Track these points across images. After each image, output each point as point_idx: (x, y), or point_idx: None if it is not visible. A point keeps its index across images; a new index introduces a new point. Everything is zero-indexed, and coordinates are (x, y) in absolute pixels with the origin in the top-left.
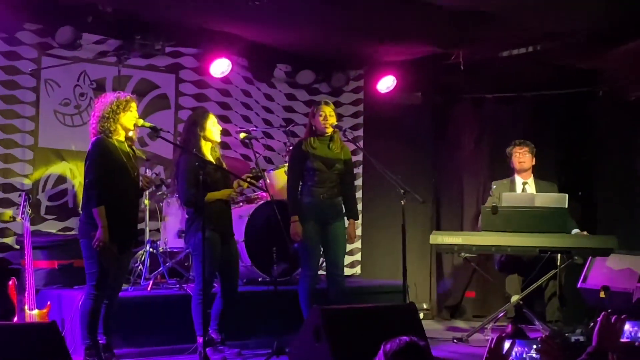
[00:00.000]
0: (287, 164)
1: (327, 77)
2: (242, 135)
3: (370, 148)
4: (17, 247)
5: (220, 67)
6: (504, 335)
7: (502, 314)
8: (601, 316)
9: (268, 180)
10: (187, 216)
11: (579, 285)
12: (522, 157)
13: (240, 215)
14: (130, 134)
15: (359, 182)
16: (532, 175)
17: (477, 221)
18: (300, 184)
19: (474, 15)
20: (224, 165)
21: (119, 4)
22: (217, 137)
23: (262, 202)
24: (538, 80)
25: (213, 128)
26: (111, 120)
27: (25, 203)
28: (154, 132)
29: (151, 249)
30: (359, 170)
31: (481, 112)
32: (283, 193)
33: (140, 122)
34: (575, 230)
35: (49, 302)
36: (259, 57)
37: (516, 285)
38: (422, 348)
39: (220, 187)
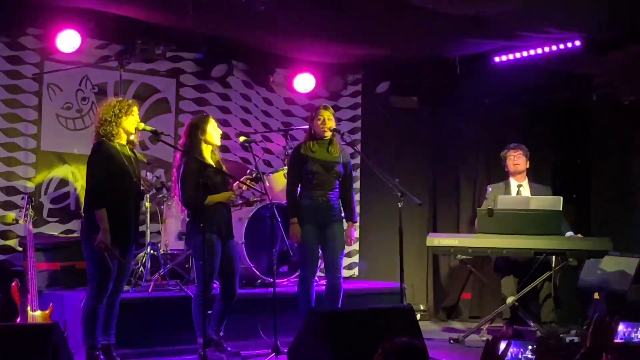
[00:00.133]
0: (286, 167)
1: (325, 82)
2: (242, 138)
3: (368, 151)
4: (20, 249)
5: (220, 71)
6: (499, 336)
7: (497, 315)
8: (595, 317)
9: (267, 183)
10: (187, 219)
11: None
12: (517, 159)
13: (240, 218)
14: (132, 137)
15: (356, 185)
16: (526, 178)
17: (473, 223)
18: (300, 186)
19: (470, 20)
20: (224, 169)
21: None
22: (217, 141)
23: (261, 204)
24: (533, 84)
25: (214, 132)
26: (113, 124)
27: (27, 206)
28: (155, 135)
29: (152, 251)
30: (356, 173)
31: (477, 116)
32: (282, 196)
33: (142, 125)
34: (569, 233)
35: (51, 304)
36: (259, 62)
37: (511, 286)
38: (419, 349)
39: (220, 190)
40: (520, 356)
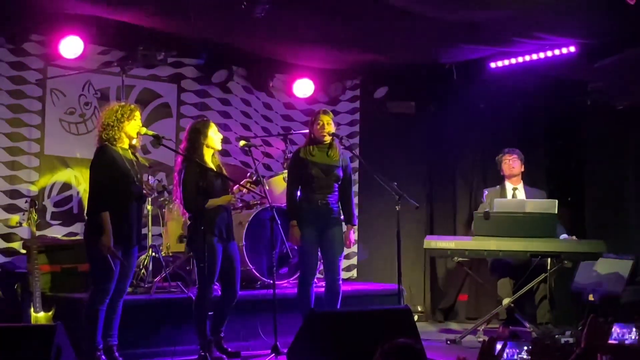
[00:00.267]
0: (285, 171)
1: (324, 87)
2: (242, 143)
3: (367, 155)
4: (24, 251)
5: (220, 76)
6: (496, 337)
7: (494, 316)
8: (590, 318)
9: (267, 187)
10: (189, 222)
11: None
12: (512, 163)
13: (240, 222)
14: (134, 141)
15: (355, 188)
16: (521, 181)
17: (470, 226)
18: (300, 189)
19: (466, 27)
20: (225, 172)
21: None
22: (218, 145)
23: (261, 207)
24: (529, 90)
25: (215, 136)
26: (115, 128)
27: (31, 209)
28: (157, 140)
29: (154, 254)
30: (355, 176)
31: (473, 120)
32: (282, 199)
33: (143, 130)
34: (564, 235)
35: (54, 305)
36: (259, 67)
37: (507, 288)
38: (417, 350)
39: (220, 194)
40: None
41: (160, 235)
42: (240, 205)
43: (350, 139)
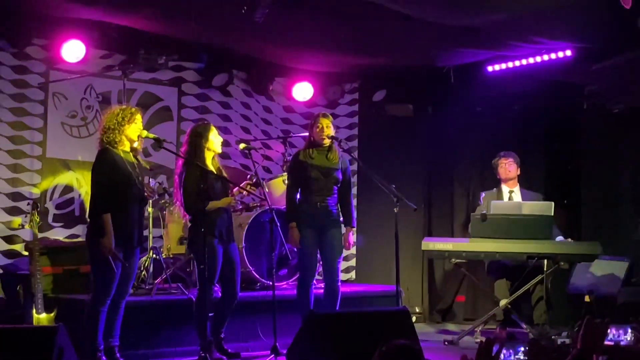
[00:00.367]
0: (285, 174)
1: (323, 90)
2: (242, 145)
3: (365, 158)
4: (26, 253)
5: (221, 79)
6: (493, 337)
7: (491, 317)
8: (585, 319)
9: (267, 189)
10: (189, 224)
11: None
12: (508, 167)
13: (240, 224)
14: (135, 144)
15: (354, 190)
16: (517, 184)
17: (467, 228)
18: (299, 192)
19: (464, 31)
20: (225, 174)
21: (125, 20)
22: (218, 148)
23: (261, 210)
24: (525, 93)
25: (215, 139)
26: (116, 131)
27: (33, 211)
28: (158, 143)
29: (154, 255)
30: (354, 179)
31: (471, 123)
32: (281, 201)
33: (144, 133)
34: (560, 237)
35: (56, 307)
36: (258, 71)
37: (504, 289)
38: (415, 351)
39: (220, 196)
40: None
41: (161, 237)
42: (240, 207)
43: (349, 142)
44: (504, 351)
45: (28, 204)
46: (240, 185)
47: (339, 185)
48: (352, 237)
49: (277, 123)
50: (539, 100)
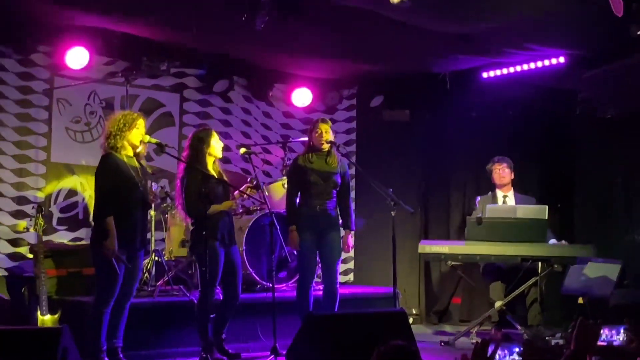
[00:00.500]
0: (284, 178)
1: (322, 96)
2: (242, 150)
3: (363, 162)
4: (31, 256)
5: (221, 86)
6: (488, 338)
7: (486, 318)
8: (579, 321)
9: (266, 193)
10: (191, 227)
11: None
12: (502, 172)
13: (241, 227)
14: (139, 149)
15: (352, 194)
16: (512, 189)
17: (463, 231)
18: (299, 195)
19: (460, 38)
20: (226, 179)
21: (128, 28)
22: (219, 153)
23: (261, 213)
24: (520, 99)
25: (216, 144)
26: (118, 137)
27: (38, 215)
28: (160, 147)
29: (157, 258)
30: (352, 183)
31: (466, 128)
32: (281, 205)
33: (147, 138)
34: (553, 240)
35: (60, 308)
36: (258, 77)
37: (499, 291)
38: (412, 352)
39: (221, 200)
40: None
41: (163, 240)
42: (241, 210)
43: (347, 147)
44: (499, 352)
45: (33, 207)
46: (241, 189)
47: (338, 189)
48: (351, 240)
49: (276, 128)
50: (533, 106)
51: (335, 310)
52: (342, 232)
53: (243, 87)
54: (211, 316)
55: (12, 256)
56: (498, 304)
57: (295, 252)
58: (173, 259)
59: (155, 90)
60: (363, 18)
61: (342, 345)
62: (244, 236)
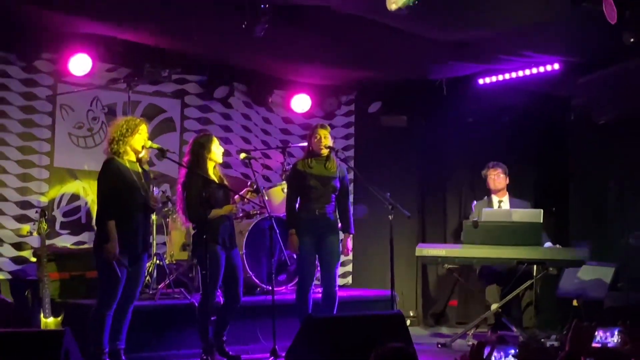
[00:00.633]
0: (284, 182)
1: (321, 102)
2: (242, 155)
3: (361, 167)
4: (34, 259)
5: (222, 92)
6: (484, 341)
7: (482, 321)
8: (574, 323)
9: (266, 197)
10: (193, 231)
11: (558, 294)
12: (497, 178)
13: (241, 231)
14: (142, 154)
15: (350, 198)
16: (507, 193)
17: (459, 235)
18: (299, 200)
19: (456, 46)
20: (226, 183)
21: (130, 35)
22: (220, 158)
23: (260, 217)
24: (515, 105)
25: (217, 150)
26: (120, 142)
27: (41, 219)
28: (161, 152)
29: (158, 261)
30: (350, 187)
31: (462, 134)
32: (280, 209)
33: (149, 143)
34: (548, 244)
35: (63, 311)
36: (258, 84)
37: (495, 294)
38: (410, 353)
39: (222, 204)
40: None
41: (164, 243)
42: (241, 214)
43: (346, 152)
44: (495, 353)
45: (36, 212)
46: (241, 193)
47: (337, 194)
48: (350, 243)
49: (276, 134)
50: (528, 112)
51: (334, 312)
52: (342, 236)
53: (243, 93)
54: (212, 318)
55: (15, 260)
56: (494, 306)
57: (294, 256)
58: (174, 262)
59: (156, 96)
60: (361, 25)
61: (341, 347)
62: (244, 240)
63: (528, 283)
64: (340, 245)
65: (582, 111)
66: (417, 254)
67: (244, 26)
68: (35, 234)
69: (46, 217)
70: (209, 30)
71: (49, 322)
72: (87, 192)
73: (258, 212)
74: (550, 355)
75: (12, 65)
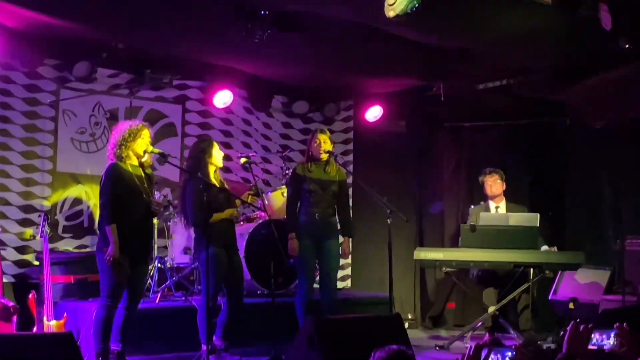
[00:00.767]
0: (283, 187)
1: (320, 107)
2: (243, 160)
3: (360, 172)
4: (37, 263)
5: (222, 98)
6: (481, 343)
7: (480, 323)
8: (570, 325)
9: (266, 201)
10: (194, 235)
11: (550, 297)
12: (494, 184)
13: (241, 234)
14: (144, 158)
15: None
16: (503, 199)
17: (457, 239)
18: (299, 204)
19: (453, 52)
20: (227, 187)
21: (131, 41)
22: (220, 163)
23: (261, 221)
24: (511, 110)
25: (217, 154)
26: (123, 147)
27: (44, 223)
28: (163, 157)
29: (159, 265)
30: (349, 192)
31: (460, 139)
32: (280, 213)
33: (150, 148)
34: (544, 247)
35: (65, 314)
36: (258, 89)
37: (492, 297)
38: (408, 356)
39: (223, 208)
40: None
41: (165, 247)
42: (241, 218)
43: (345, 157)
44: (492, 356)
45: (39, 216)
46: (241, 197)
47: (336, 197)
48: (349, 247)
49: (276, 138)
50: (524, 117)
51: (333, 314)
52: (341, 239)
53: (243, 98)
54: (214, 320)
55: (18, 263)
56: (491, 309)
57: (294, 259)
58: (175, 265)
59: (158, 101)
60: (361, 32)
61: (339, 349)
62: (245, 243)
63: (525, 286)
64: (340, 248)
65: (577, 117)
66: (415, 257)
67: (244, 33)
68: (38, 237)
69: (49, 221)
70: (209, 38)
71: (51, 324)
72: (90, 196)
73: (258, 215)
74: (547, 358)
75: (15, 71)
